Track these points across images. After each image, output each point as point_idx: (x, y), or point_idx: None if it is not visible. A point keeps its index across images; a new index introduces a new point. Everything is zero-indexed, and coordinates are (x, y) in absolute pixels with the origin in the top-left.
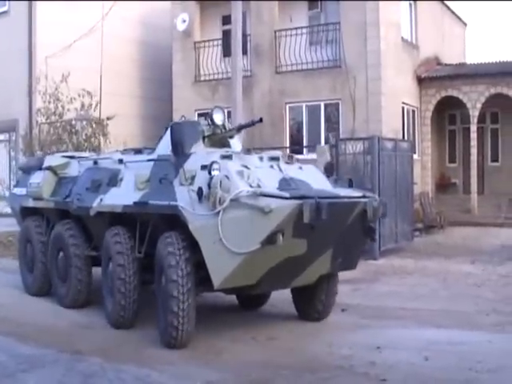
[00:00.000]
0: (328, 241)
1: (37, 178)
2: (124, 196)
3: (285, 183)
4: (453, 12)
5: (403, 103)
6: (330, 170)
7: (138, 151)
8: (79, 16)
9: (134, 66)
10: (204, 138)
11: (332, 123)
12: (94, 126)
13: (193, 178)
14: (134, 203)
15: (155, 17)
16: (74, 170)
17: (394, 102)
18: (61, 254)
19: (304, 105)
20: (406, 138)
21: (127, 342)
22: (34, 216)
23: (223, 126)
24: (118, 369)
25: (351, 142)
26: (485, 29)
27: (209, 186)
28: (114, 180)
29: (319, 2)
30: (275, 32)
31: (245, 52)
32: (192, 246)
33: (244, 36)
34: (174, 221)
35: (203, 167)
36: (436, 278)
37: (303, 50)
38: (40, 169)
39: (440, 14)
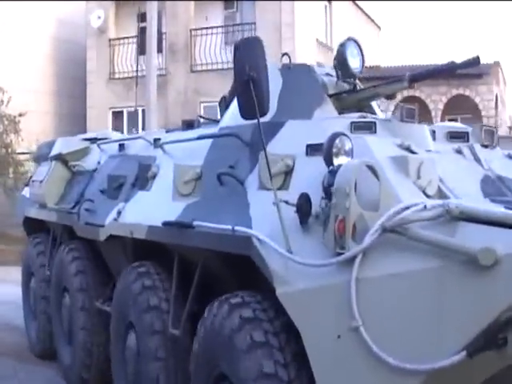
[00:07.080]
0: None
1: (41, 173)
2: (155, 207)
3: (492, 188)
4: (367, 15)
5: None
6: None
7: (189, 125)
8: None
9: (47, 62)
10: (330, 96)
11: None
12: (5, 122)
13: (289, 172)
14: (164, 225)
15: (70, 13)
16: (93, 159)
17: None
18: (66, 297)
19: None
20: None
21: None
22: (38, 234)
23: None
24: (29, 370)
25: None
26: (398, 32)
27: (326, 193)
28: (143, 176)
29: (235, 2)
30: (191, 31)
31: (160, 50)
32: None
33: (159, 34)
34: (251, 268)
35: (313, 148)
36: None
37: (218, 49)
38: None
39: (355, 16)
